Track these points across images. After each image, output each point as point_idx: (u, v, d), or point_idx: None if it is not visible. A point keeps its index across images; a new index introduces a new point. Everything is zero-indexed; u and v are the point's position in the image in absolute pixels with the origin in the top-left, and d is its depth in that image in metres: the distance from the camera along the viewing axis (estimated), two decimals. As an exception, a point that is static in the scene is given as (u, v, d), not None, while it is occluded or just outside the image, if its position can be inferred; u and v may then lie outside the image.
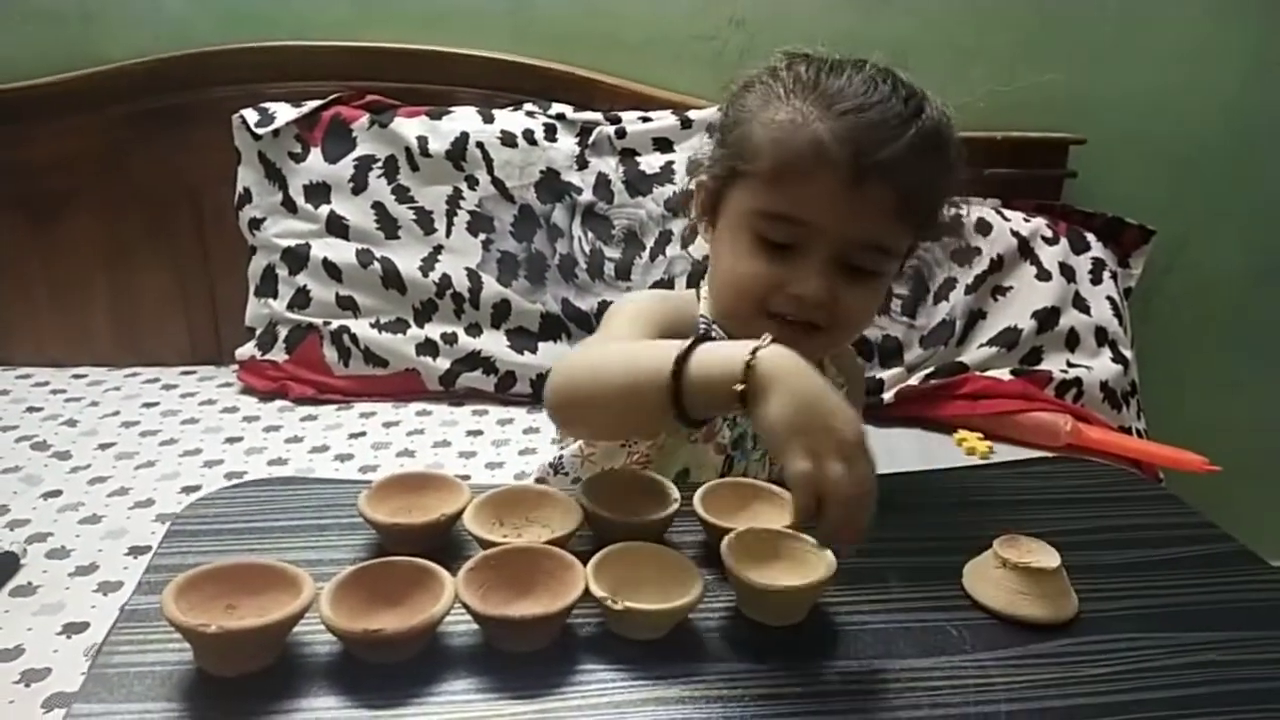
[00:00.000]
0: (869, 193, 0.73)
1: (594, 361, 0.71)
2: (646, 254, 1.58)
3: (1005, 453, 1.44)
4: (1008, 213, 1.67)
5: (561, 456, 0.89)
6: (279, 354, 1.57)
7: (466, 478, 0.71)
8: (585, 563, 0.60)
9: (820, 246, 0.75)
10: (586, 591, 0.58)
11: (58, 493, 1.24)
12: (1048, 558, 0.66)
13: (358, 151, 1.58)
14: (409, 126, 1.58)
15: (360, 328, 1.56)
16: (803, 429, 0.59)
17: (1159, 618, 0.66)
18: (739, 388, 0.61)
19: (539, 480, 0.90)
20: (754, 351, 0.61)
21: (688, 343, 0.64)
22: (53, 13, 1.61)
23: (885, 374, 1.56)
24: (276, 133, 1.57)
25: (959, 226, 0.85)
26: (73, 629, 0.97)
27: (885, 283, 0.81)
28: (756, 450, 0.87)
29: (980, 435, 1.50)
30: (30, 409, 1.49)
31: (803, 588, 0.60)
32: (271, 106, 1.59)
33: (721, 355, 0.63)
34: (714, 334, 0.83)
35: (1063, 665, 0.60)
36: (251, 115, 1.57)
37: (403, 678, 0.55)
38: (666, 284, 1.56)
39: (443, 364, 1.56)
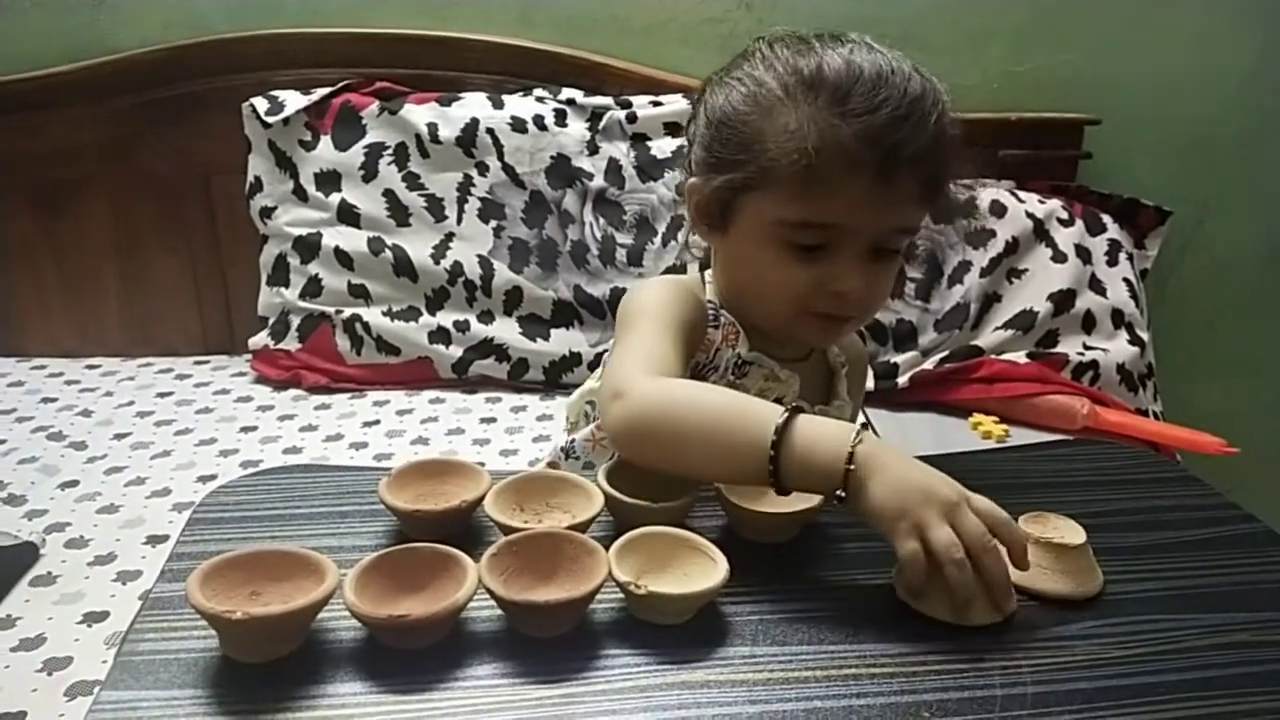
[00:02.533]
0: (897, 186, 0.72)
1: (676, 412, 0.68)
2: (659, 239, 1.58)
3: (1021, 436, 1.44)
4: (1022, 194, 1.66)
5: (574, 440, 0.89)
6: (292, 343, 1.57)
7: (481, 465, 0.71)
8: (607, 548, 0.60)
9: (854, 243, 0.74)
10: (610, 576, 0.58)
11: (75, 483, 1.24)
12: (1073, 534, 0.65)
13: (368, 139, 1.58)
14: (419, 113, 1.58)
15: (372, 316, 1.56)
16: (903, 510, 0.60)
17: (1185, 599, 0.65)
18: (841, 494, 0.62)
19: (550, 464, 0.90)
20: (851, 453, 0.62)
21: (781, 418, 0.63)
22: (62, 1, 1.60)
23: (900, 358, 1.55)
24: (286, 121, 1.57)
25: (970, 201, 0.84)
26: (93, 618, 0.98)
27: (901, 258, 0.81)
28: None
29: (996, 419, 1.49)
30: (45, 399, 1.50)
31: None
32: (281, 94, 1.58)
33: (818, 452, 0.63)
34: (724, 318, 0.83)
35: (1089, 647, 0.60)
36: (261, 103, 1.57)
37: (427, 663, 0.55)
38: (679, 269, 1.55)
39: (455, 352, 1.56)
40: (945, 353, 1.56)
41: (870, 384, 1.53)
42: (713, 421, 0.66)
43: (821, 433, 0.63)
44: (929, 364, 1.55)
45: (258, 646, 0.54)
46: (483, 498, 0.66)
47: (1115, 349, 1.58)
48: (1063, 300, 1.58)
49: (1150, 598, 0.65)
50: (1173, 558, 0.70)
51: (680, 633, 0.58)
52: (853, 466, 0.61)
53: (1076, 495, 0.79)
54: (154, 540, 1.11)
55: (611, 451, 0.83)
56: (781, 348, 0.85)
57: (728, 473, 0.67)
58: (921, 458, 0.89)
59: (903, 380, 1.54)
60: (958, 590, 0.59)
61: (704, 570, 0.60)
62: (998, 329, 1.57)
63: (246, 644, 0.54)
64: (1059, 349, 1.56)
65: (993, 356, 1.55)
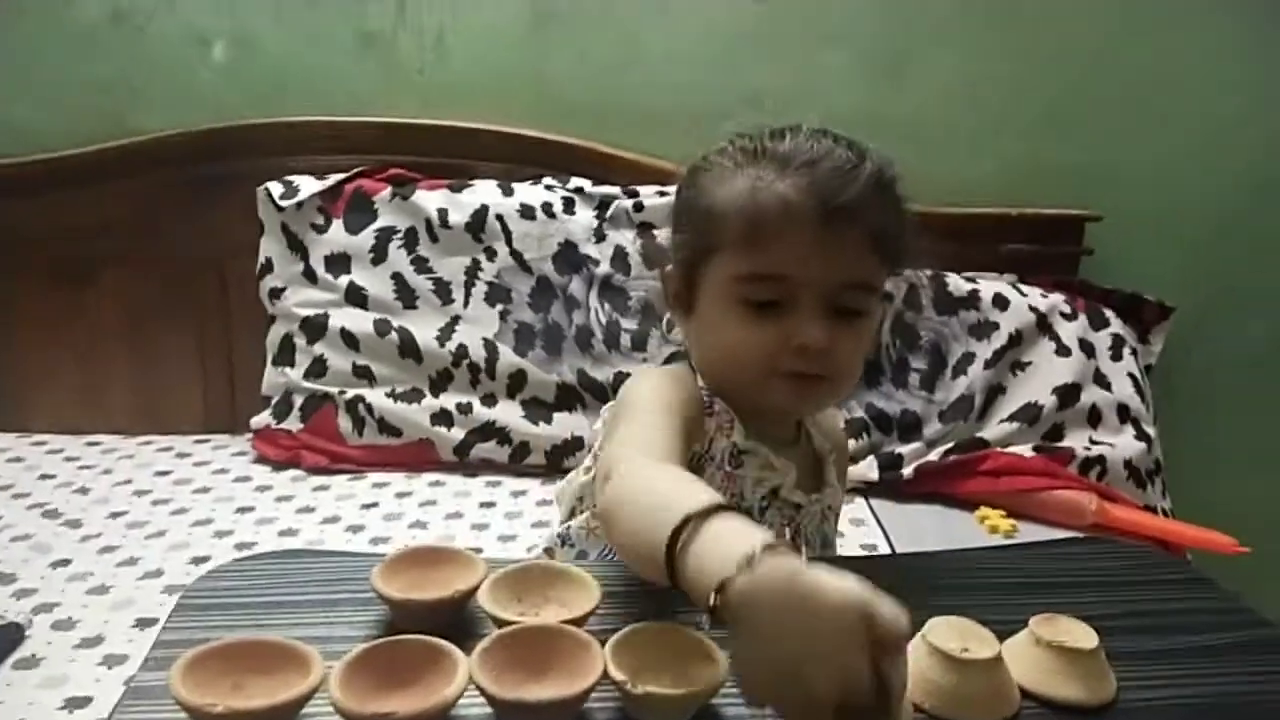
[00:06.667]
0: (841, 235, 0.74)
1: (624, 501, 0.63)
2: (663, 325, 1.58)
3: (1029, 532, 1.41)
4: (1025, 288, 1.67)
5: (569, 527, 0.88)
6: (294, 423, 1.57)
7: (479, 550, 0.70)
8: (604, 643, 0.58)
9: (808, 296, 0.75)
10: (605, 674, 0.56)
11: (66, 561, 1.22)
12: (1086, 638, 0.63)
13: (379, 223, 1.60)
14: (430, 199, 1.60)
15: (375, 397, 1.55)
16: (770, 686, 0.48)
17: (1200, 709, 0.63)
18: (705, 620, 0.51)
19: (546, 551, 0.88)
20: (722, 584, 0.49)
21: (679, 520, 0.54)
22: (99, 84, 1.66)
23: (904, 449, 1.54)
24: (300, 205, 1.60)
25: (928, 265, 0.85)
26: (75, 704, 0.95)
27: (872, 323, 0.81)
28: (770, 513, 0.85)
29: (1003, 513, 1.47)
30: (43, 476, 1.49)
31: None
32: (296, 179, 1.62)
33: (704, 568, 0.52)
34: (718, 405, 0.81)
35: (1102, 759, 0.57)
36: (276, 188, 1.60)
37: (413, 763, 0.53)
38: (683, 356, 1.55)
39: (457, 434, 1.55)
40: (950, 444, 1.55)
41: (874, 475, 1.52)
42: (638, 514, 0.60)
43: (711, 556, 0.52)
44: (934, 455, 1.54)
45: (238, 742, 0.52)
46: (477, 587, 0.64)
47: (1122, 444, 1.56)
48: (1067, 394, 1.57)
49: (1164, 706, 0.63)
50: (1186, 663, 0.68)
51: (677, 735, 0.56)
52: (715, 604, 0.49)
53: (1087, 596, 0.77)
54: (143, 623, 1.09)
55: (606, 541, 0.81)
56: (775, 426, 0.84)
57: (652, 571, 0.56)
58: (930, 554, 0.88)
59: (908, 471, 1.52)
60: None
61: (703, 668, 0.58)
62: (1003, 421, 1.56)
63: (227, 739, 0.52)
64: (1065, 443, 1.55)
65: (999, 449, 1.54)
